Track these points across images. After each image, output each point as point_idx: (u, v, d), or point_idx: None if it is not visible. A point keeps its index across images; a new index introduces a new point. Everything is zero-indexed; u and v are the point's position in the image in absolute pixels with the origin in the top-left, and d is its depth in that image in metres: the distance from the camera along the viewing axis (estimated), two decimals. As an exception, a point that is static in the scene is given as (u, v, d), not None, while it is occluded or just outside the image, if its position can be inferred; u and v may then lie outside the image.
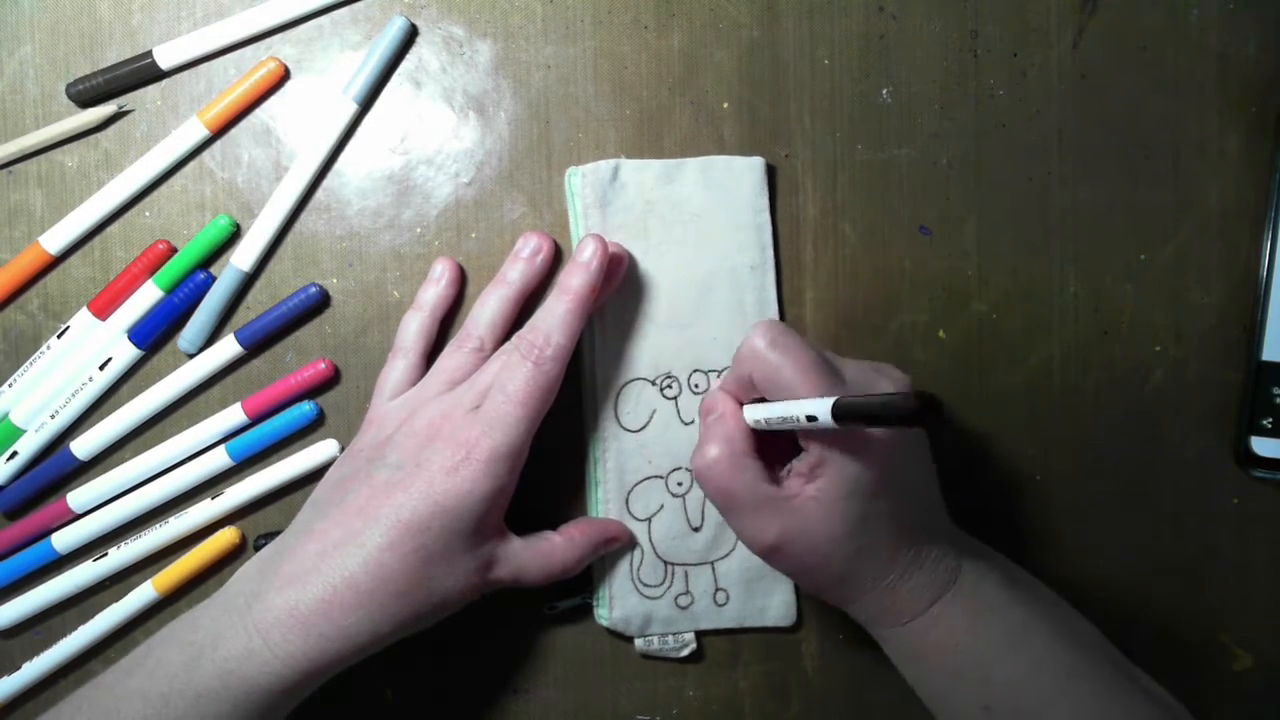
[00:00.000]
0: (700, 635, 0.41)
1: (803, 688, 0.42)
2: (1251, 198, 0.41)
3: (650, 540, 0.40)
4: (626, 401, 0.40)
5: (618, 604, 0.40)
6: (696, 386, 0.40)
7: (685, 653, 0.41)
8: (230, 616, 0.33)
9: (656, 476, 0.40)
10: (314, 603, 0.33)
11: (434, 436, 0.35)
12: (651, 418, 0.40)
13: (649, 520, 0.40)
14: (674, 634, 0.41)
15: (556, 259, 0.40)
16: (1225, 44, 0.41)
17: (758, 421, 0.34)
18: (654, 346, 0.40)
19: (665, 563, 0.40)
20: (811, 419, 0.30)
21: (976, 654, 0.34)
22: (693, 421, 0.40)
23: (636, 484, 0.40)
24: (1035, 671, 0.34)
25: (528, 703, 0.41)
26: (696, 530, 0.40)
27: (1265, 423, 0.40)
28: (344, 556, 0.33)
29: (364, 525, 0.34)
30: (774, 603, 0.41)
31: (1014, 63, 0.41)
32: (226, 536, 0.40)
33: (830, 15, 0.41)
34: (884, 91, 0.41)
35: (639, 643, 0.41)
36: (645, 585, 0.40)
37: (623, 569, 0.40)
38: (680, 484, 0.40)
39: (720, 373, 0.40)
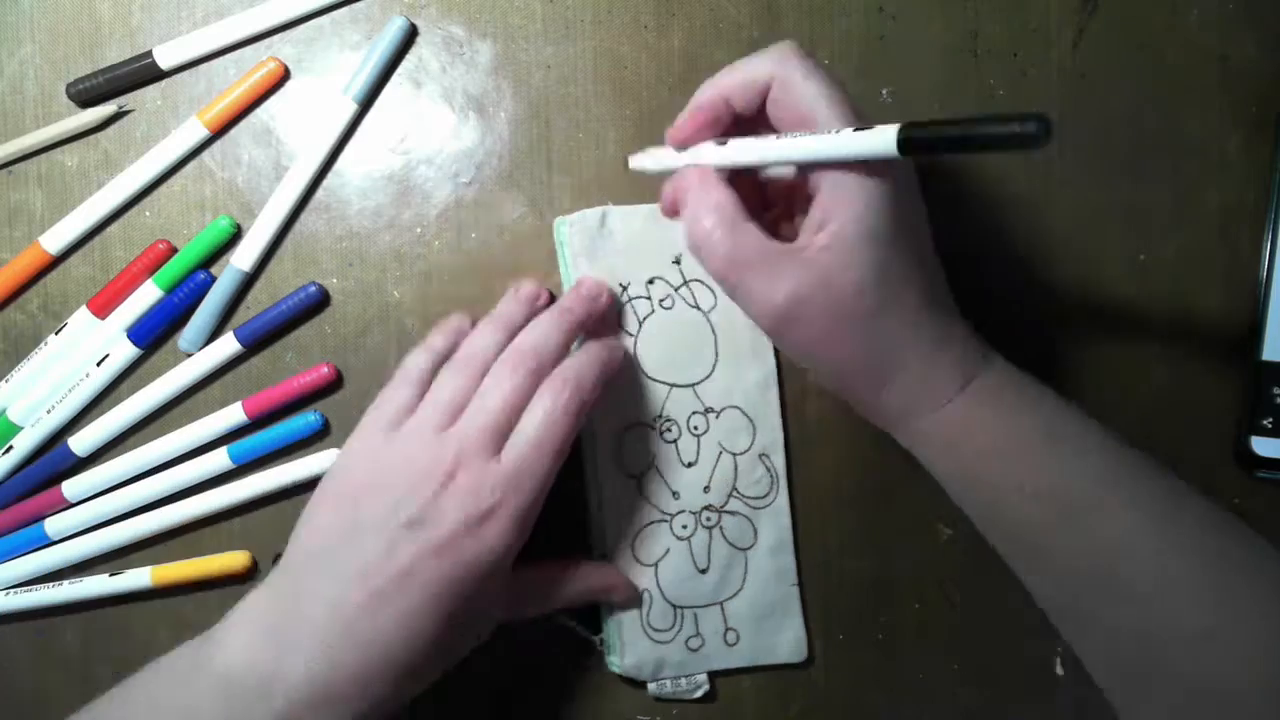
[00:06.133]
0: (713, 675, 0.41)
1: (804, 688, 0.42)
2: (1251, 198, 0.41)
3: (658, 585, 0.40)
4: (627, 447, 0.40)
5: (629, 651, 0.40)
6: (696, 428, 0.40)
7: (699, 694, 0.41)
8: (246, 698, 0.30)
9: (661, 520, 0.40)
10: (348, 678, 0.31)
11: (448, 484, 0.33)
12: (652, 462, 0.40)
13: (655, 565, 0.40)
14: (686, 676, 0.40)
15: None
16: (1225, 44, 0.41)
17: (768, 158, 0.30)
18: (651, 391, 0.40)
19: (674, 607, 0.40)
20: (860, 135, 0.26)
21: (1019, 439, 0.32)
22: (692, 464, 0.40)
23: (641, 529, 0.40)
24: (1083, 457, 0.32)
25: (528, 703, 0.41)
26: (703, 572, 0.40)
27: (1265, 423, 0.40)
28: (376, 628, 0.31)
29: (394, 592, 0.31)
30: (784, 639, 0.41)
31: (1014, 63, 0.41)
32: (238, 559, 0.40)
33: (830, 15, 0.41)
34: (884, 91, 0.41)
35: (652, 687, 0.40)
36: (655, 630, 0.40)
37: (633, 615, 0.40)
38: (685, 527, 0.40)
39: (720, 412, 0.40)
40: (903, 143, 0.25)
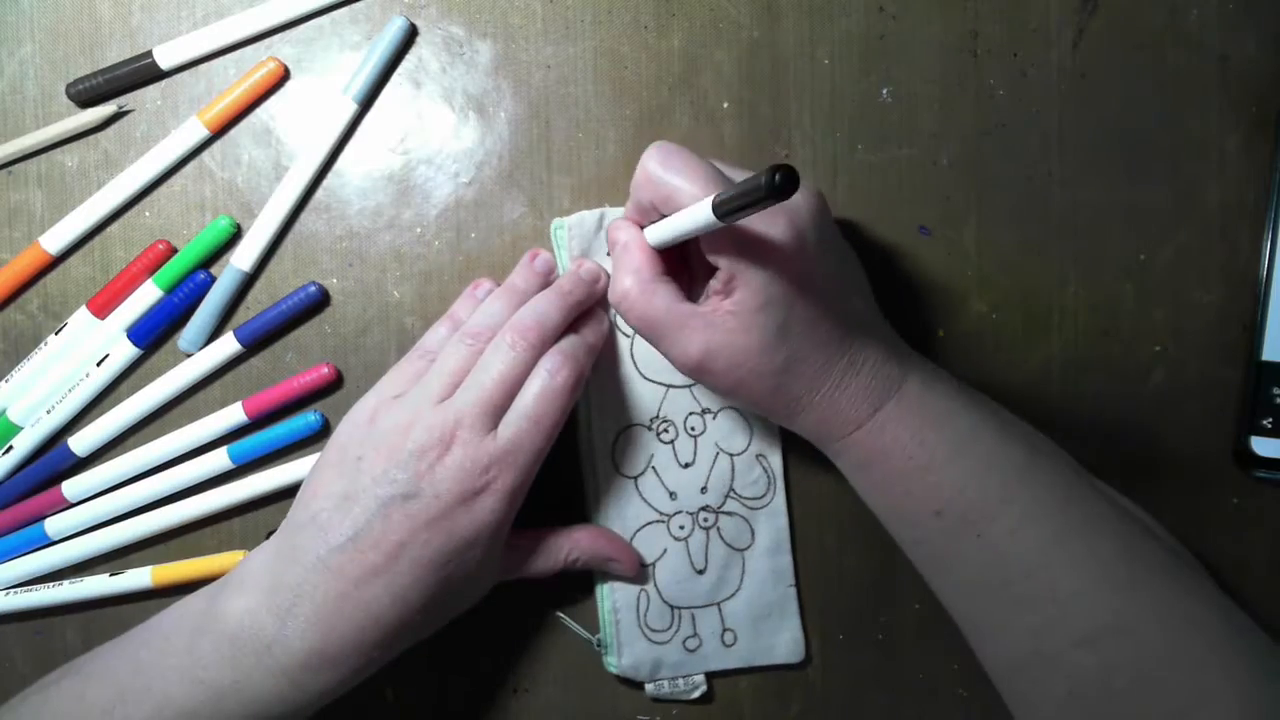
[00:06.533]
0: (710, 676, 0.41)
1: (803, 688, 0.42)
2: (1251, 198, 0.41)
3: (656, 585, 0.40)
4: (624, 448, 0.40)
5: (626, 651, 0.40)
6: (693, 429, 0.40)
7: (696, 694, 0.41)
8: (249, 657, 0.32)
9: (658, 521, 0.40)
10: (342, 643, 0.33)
11: (443, 457, 0.33)
12: (650, 462, 0.40)
13: (653, 565, 0.40)
14: (684, 677, 0.40)
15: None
16: (1225, 44, 0.41)
17: (659, 241, 0.34)
18: (648, 392, 0.40)
19: (672, 607, 0.40)
20: (698, 221, 0.30)
21: (923, 459, 0.34)
22: (689, 464, 0.40)
23: (639, 530, 0.40)
24: (985, 473, 0.34)
25: (528, 703, 0.41)
26: (701, 573, 0.40)
27: (1265, 423, 0.40)
28: (369, 598, 0.33)
29: (385, 563, 0.33)
30: (782, 640, 0.41)
31: (1014, 63, 0.41)
32: (238, 560, 0.40)
33: (830, 15, 0.41)
34: (884, 91, 0.41)
35: (649, 688, 0.40)
36: (653, 630, 0.40)
37: (630, 616, 0.40)
38: (682, 527, 0.40)
39: (717, 413, 0.40)
40: (716, 210, 0.28)
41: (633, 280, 0.34)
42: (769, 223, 0.31)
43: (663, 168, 0.32)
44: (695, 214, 0.30)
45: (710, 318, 0.33)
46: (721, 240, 0.32)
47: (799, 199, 0.32)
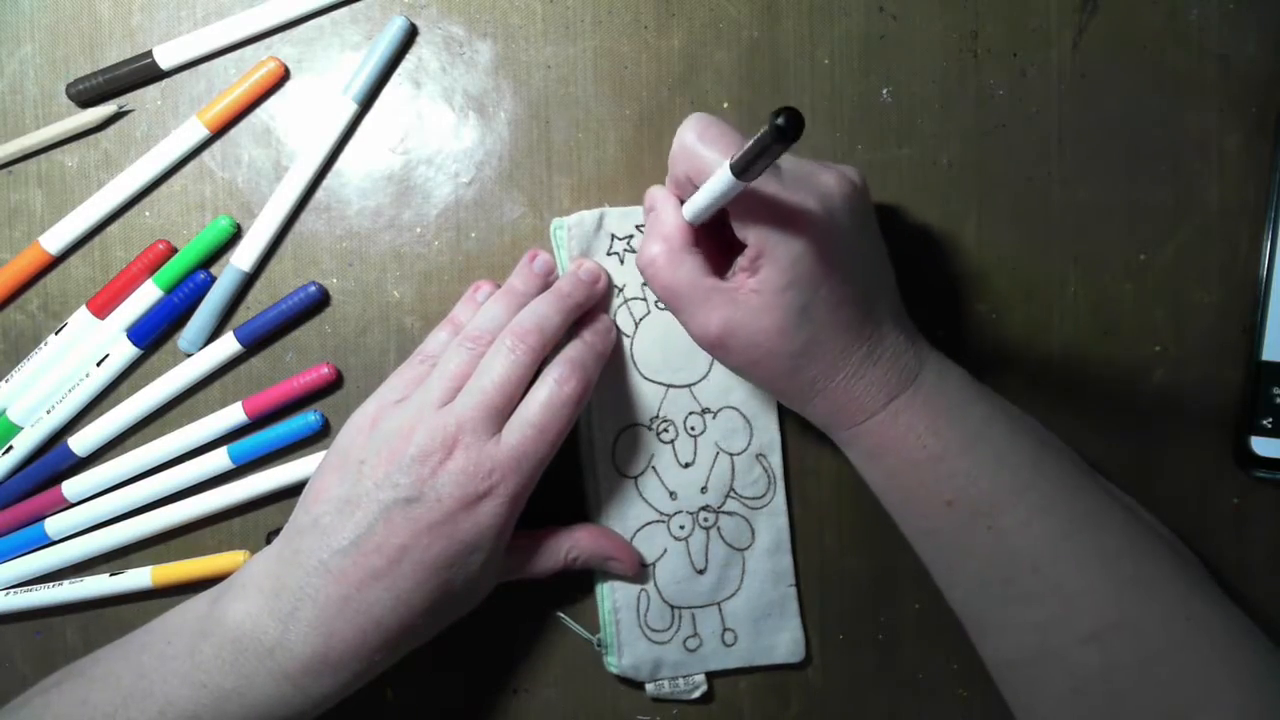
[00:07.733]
0: (711, 676, 0.41)
1: (803, 688, 0.42)
2: (1251, 198, 0.41)
3: (656, 585, 0.40)
4: (624, 448, 0.40)
5: (626, 651, 0.40)
6: (693, 429, 0.40)
7: (696, 694, 0.41)
8: (251, 661, 0.32)
9: (658, 521, 0.40)
10: (344, 647, 0.33)
11: (445, 461, 0.33)
12: (650, 462, 0.40)
13: (653, 565, 0.40)
14: (684, 677, 0.40)
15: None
16: (1225, 44, 0.41)
17: (693, 214, 0.34)
18: (648, 392, 0.40)
19: (672, 607, 0.40)
20: (722, 188, 0.30)
21: (937, 449, 0.34)
22: (689, 464, 0.40)
23: (639, 529, 0.40)
24: (997, 464, 0.34)
25: (528, 703, 0.41)
26: (701, 573, 0.40)
27: (1265, 423, 0.40)
28: (370, 601, 0.33)
29: (387, 566, 0.33)
30: (782, 640, 0.41)
31: (1014, 63, 0.41)
32: (238, 559, 0.40)
33: (830, 15, 0.41)
34: (884, 91, 0.41)
35: (650, 688, 0.40)
36: (653, 630, 0.40)
37: (630, 616, 0.40)
38: (682, 527, 0.40)
39: (717, 413, 0.40)
40: (733, 169, 0.28)
41: (661, 248, 0.34)
42: (799, 201, 0.31)
43: (699, 139, 0.32)
44: (718, 179, 0.30)
45: (734, 294, 0.33)
46: (750, 214, 0.31)
47: (833, 182, 0.32)
